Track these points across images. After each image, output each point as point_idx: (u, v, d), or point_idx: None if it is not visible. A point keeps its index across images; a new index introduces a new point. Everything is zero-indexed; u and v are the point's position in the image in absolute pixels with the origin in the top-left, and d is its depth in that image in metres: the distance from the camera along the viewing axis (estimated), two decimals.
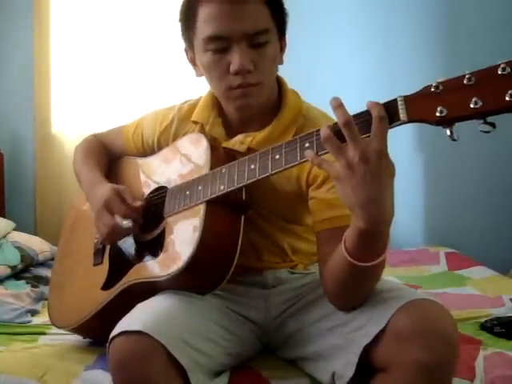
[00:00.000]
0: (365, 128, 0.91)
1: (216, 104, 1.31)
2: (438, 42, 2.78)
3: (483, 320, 1.57)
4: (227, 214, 1.17)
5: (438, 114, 0.86)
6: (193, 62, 1.28)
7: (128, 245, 1.32)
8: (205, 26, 1.17)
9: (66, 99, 2.81)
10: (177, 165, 1.30)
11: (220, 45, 1.16)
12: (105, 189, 1.31)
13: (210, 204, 1.16)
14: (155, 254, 1.21)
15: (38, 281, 2.08)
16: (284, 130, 1.24)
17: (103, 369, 1.25)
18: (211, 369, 1.12)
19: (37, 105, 2.78)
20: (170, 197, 1.26)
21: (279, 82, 1.30)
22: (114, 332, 1.04)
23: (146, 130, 1.42)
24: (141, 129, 1.44)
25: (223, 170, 1.16)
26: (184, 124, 1.36)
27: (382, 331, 1.01)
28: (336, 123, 0.93)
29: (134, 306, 1.12)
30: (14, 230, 2.39)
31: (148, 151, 1.43)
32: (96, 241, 1.39)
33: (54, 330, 1.54)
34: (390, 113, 0.90)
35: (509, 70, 0.81)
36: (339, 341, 1.10)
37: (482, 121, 0.84)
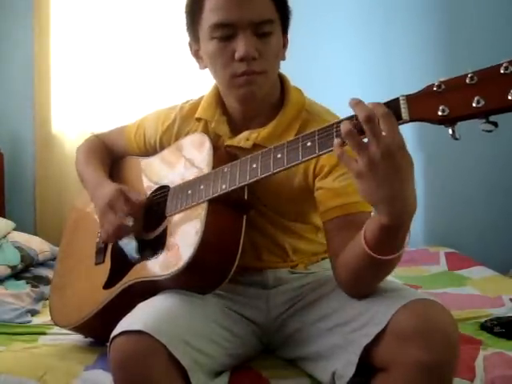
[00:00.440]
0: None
1: (220, 102, 1.32)
2: (438, 41, 2.77)
3: (483, 320, 1.57)
4: (229, 213, 1.17)
5: (440, 113, 0.86)
6: (197, 55, 1.29)
7: (130, 244, 1.32)
8: (211, 15, 1.19)
9: (66, 99, 2.81)
10: (180, 168, 1.31)
11: (226, 32, 1.18)
12: (109, 188, 1.32)
13: (212, 203, 1.16)
14: (157, 253, 1.20)
15: (38, 281, 2.07)
16: (288, 125, 1.25)
17: (103, 369, 1.25)
18: (212, 369, 1.12)
19: (37, 105, 2.78)
20: (172, 196, 1.26)
21: (282, 80, 1.31)
22: (115, 332, 1.04)
23: (148, 130, 1.43)
24: (143, 129, 1.44)
25: (225, 170, 1.16)
26: (186, 123, 1.36)
27: (383, 331, 1.01)
28: (351, 117, 0.92)
29: (135, 306, 1.12)
30: (14, 230, 2.38)
31: (150, 151, 1.43)
32: (98, 240, 1.39)
33: (54, 329, 1.54)
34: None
35: (511, 69, 0.81)
36: (339, 341, 1.10)
37: (484, 120, 0.84)
